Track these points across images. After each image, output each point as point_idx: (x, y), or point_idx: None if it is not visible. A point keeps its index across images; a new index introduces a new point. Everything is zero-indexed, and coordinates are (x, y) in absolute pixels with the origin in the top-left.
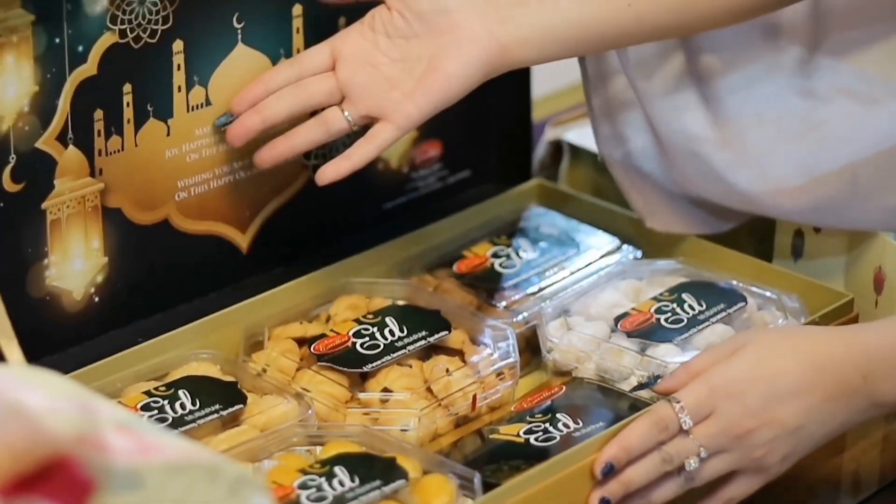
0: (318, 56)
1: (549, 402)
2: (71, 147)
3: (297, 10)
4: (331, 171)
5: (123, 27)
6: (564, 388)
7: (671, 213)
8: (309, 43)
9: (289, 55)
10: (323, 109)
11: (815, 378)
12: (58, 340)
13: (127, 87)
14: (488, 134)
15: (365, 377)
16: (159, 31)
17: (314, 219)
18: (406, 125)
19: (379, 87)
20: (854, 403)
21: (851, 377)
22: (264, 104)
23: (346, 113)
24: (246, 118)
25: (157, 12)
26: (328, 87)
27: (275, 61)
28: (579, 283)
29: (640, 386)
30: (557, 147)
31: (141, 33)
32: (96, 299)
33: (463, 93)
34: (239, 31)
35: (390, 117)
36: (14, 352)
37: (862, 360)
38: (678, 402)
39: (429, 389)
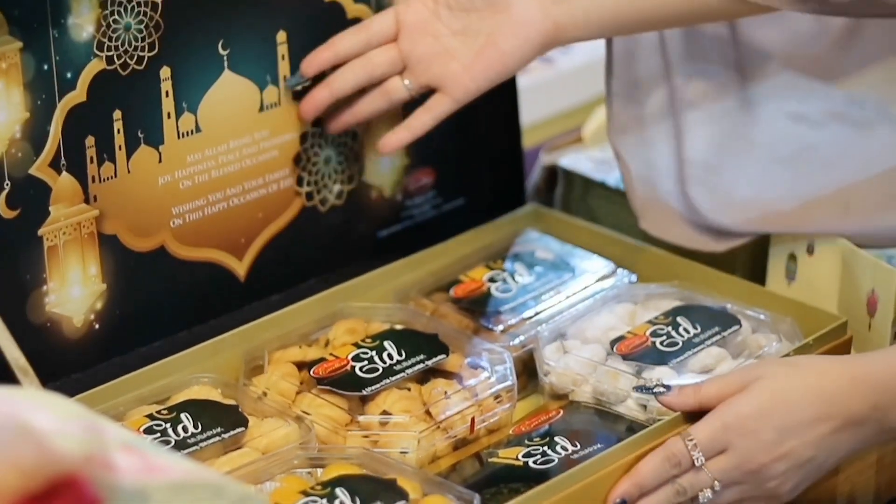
0: (383, 23)
1: (546, 426)
2: (64, 174)
3: (282, 36)
4: (392, 141)
5: (110, 54)
6: (562, 411)
7: (666, 220)
8: (295, 68)
9: (275, 82)
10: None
11: (824, 410)
12: (59, 367)
13: (117, 114)
14: (480, 161)
15: (364, 400)
16: (146, 58)
17: (310, 247)
18: (462, 98)
19: (438, 58)
20: (863, 432)
21: (860, 409)
22: (333, 78)
23: (406, 82)
24: (315, 93)
25: (143, 39)
26: (390, 58)
27: (262, 88)
28: (575, 306)
29: (642, 388)
30: (552, 172)
31: (128, 60)
32: (96, 326)
33: (518, 69)
34: (225, 58)
35: (448, 89)
36: (33, 384)
37: (870, 392)
38: (691, 440)
39: (427, 412)
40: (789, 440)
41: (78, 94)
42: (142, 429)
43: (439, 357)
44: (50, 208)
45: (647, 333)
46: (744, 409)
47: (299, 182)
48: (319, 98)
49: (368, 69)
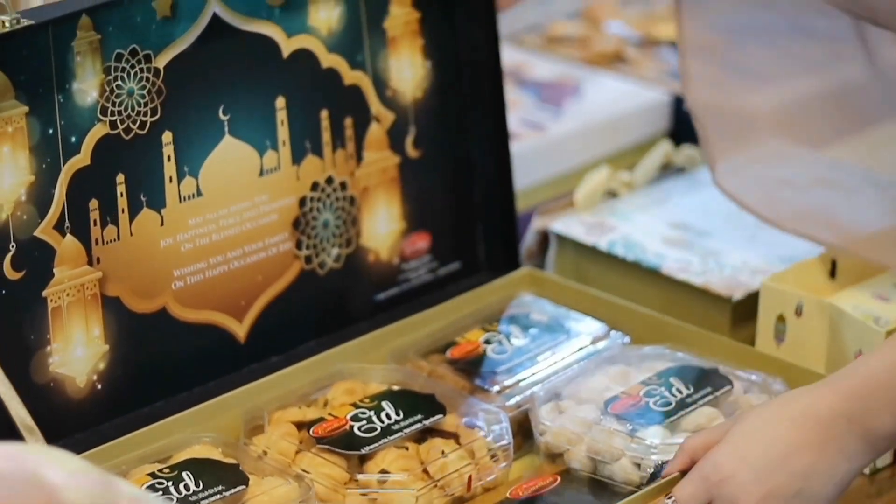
0: None
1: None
2: (68, 236)
3: (281, 102)
4: None
5: (114, 118)
6: (559, 478)
7: (742, 181)
8: (294, 134)
9: (274, 147)
10: None
11: (801, 437)
12: (62, 426)
13: (120, 178)
14: (475, 225)
15: (363, 459)
16: (148, 123)
17: (309, 309)
18: None
19: None
20: (847, 448)
21: (835, 425)
22: None
23: None
24: None
25: (146, 104)
26: None
27: (261, 153)
28: (569, 367)
29: (653, 477)
30: (544, 236)
31: (131, 125)
32: (99, 386)
33: None
34: (225, 123)
35: None
36: (38, 442)
37: (840, 405)
38: (670, 497)
39: (425, 471)
40: (772, 477)
41: (82, 158)
42: (144, 487)
43: (436, 417)
44: (54, 270)
45: (641, 394)
46: (720, 456)
47: (298, 246)
48: None
49: None
